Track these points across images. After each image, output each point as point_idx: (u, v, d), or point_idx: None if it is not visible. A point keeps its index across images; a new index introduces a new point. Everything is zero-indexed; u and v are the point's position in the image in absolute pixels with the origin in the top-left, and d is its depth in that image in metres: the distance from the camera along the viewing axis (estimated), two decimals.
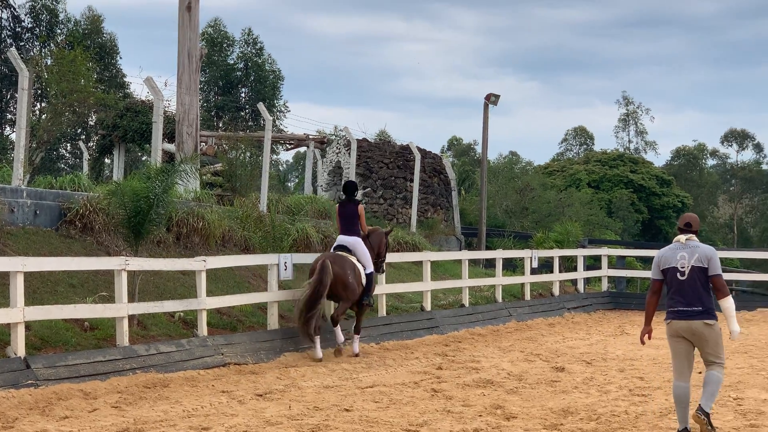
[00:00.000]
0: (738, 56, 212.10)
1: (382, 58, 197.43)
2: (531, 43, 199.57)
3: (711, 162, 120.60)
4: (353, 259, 19.31)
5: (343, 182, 21.46)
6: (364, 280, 19.36)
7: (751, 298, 34.11)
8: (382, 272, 21.27)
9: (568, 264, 32.29)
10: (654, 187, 78.63)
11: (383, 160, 36.03)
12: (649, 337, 12.09)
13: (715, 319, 11.45)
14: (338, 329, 19.13)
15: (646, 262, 45.15)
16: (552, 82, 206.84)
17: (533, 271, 29.44)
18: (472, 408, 13.30)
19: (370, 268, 19.62)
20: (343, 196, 20.08)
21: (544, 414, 12.96)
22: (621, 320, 28.28)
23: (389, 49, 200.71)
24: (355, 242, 19.53)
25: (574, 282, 31.96)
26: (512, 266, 33.72)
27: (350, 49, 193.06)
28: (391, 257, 23.26)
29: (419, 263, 25.33)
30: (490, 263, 30.49)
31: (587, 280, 33.38)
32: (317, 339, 18.36)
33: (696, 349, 11.65)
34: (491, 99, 33.13)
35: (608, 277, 33.31)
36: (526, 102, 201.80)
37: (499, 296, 26.99)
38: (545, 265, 32.16)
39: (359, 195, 33.82)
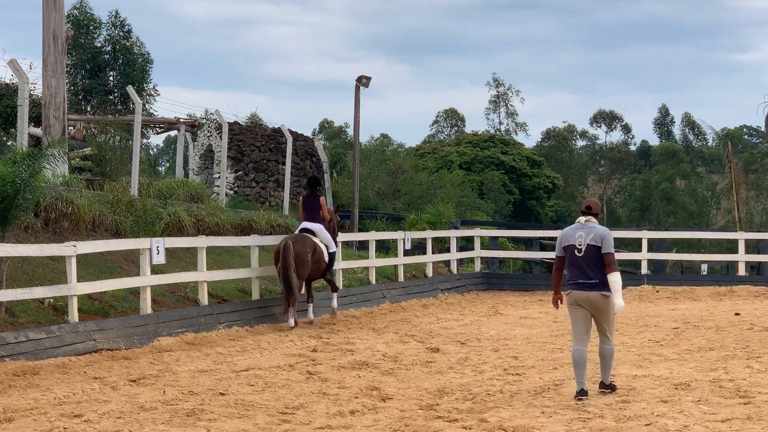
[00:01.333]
0: (605, 39, 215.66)
1: (251, 42, 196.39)
2: (400, 26, 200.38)
3: (581, 143, 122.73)
4: (316, 240, 22.06)
5: (308, 179, 23.94)
6: (327, 258, 22.22)
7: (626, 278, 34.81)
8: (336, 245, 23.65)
9: (441, 245, 32.60)
10: (525, 168, 79.68)
11: (255, 143, 35.91)
12: (561, 302, 13.35)
13: (610, 292, 12.76)
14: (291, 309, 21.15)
15: (518, 242, 45.84)
16: (422, 65, 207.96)
17: (406, 253, 29.66)
18: (347, 390, 13.40)
19: (333, 248, 22.64)
20: (307, 190, 23.13)
21: (420, 394, 13.12)
22: (494, 300, 28.70)
23: (258, 33, 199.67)
24: (319, 228, 22.34)
25: (448, 263, 32.28)
26: (385, 248, 33.92)
27: (219, 32, 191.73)
28: (263, 240, 23.52)
29: None
30: (362, 245, 30.60)
31: (460, 261, 33.73)
32: (291, 310, 20.96)
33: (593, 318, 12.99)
34: (362, 81, 33.20)
35: (481, 258, 33.71)
36: (396, 84, 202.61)
37: (372, 278, 27.14)
38: (418, 247, 32.42)
39: (231, 178, 33.69)
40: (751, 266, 34.78)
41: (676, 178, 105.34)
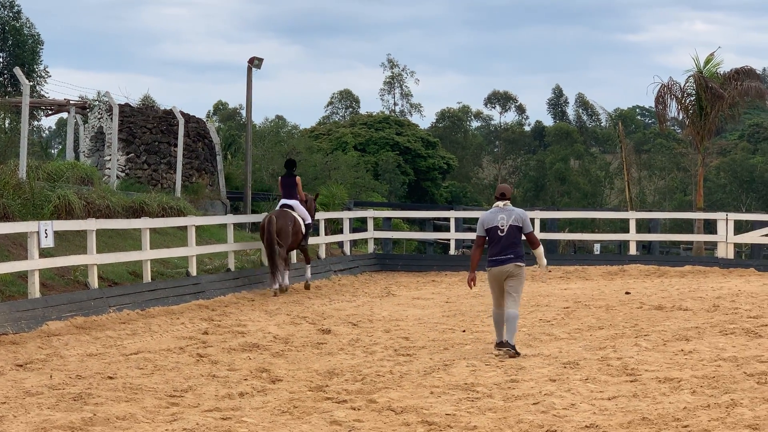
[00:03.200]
0: (497, 19, 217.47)
1: (143, 22, 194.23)
2: (292, 6, 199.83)
3: (475, 124, 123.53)
4: (294, 214, 25.39)
5: (286, 161, 27.64)
6: (303, 229, 25.69)
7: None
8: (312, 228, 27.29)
9: (335, 227, 32.64)
10: (420, 149, 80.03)
11: (146, 125, 35.50)
12: (474, 283, 15.32)
13: (524, 263, 15.12)
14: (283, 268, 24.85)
15: (413, 223, 46.07)
16: (314, 46, 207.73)
17: None
18: (237, 372, 13.40)
19: (309, 220, 26.12)
20: (285, 171, 26.48)
21: (310, 376, 13.16)
22: (387, 282, 28.83)
23: (149, 13, 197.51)
24: (295, 204, 25.70)
25: (341, 244, 32.34)
26: None
27: (109, 13, 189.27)
28: (154, 222, 23.42)
29: (184, 228, 25.21)
30: (256, 227, 30.50)
31: (354, 243, 33.82)
32: (286, 273, 24.89)
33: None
34: (254, 62, 32.98)
35: (374, 239, 33.84)
36: (290, 66, 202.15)
37: (265, 260, 27.06)
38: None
39: (122, 160, 33.34)
40: (643, 245, 35.39)
41: (570, 158, 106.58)
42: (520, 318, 19.17)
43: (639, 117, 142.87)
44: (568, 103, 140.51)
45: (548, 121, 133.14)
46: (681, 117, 37.54)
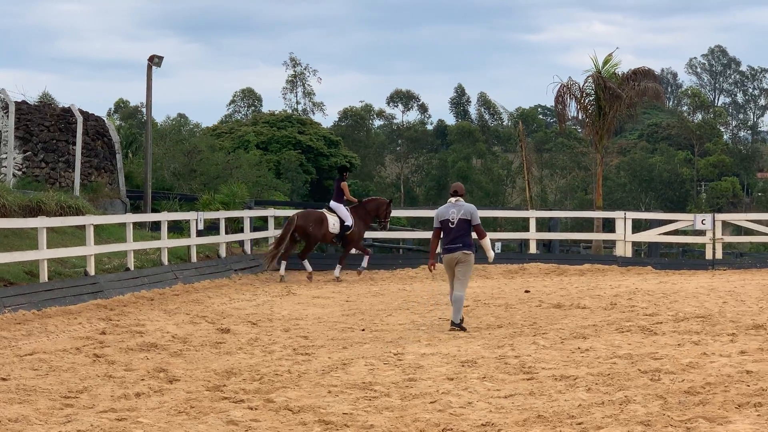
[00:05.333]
0: (397, 18, 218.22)
1: (36, 18, 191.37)
2: (190, 4, 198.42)
3: (378, 122, 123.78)
4: (328, 215, 29.16)
5: (337, 167, 33.28)
6: (337, 229, 29.18)
7: (415, 255, 35.35)
8: (384, 229, 31.34)
9: (236, 226, 32.48)
10: (322, 148, 80.00)
11: (44, 123, 35.00)
12: (434, 267, 17.92)
13: (472, 251, 17.39)
14: (306, 263, 29.15)
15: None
16: (214, 44, 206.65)
17: (199, 233, 29.45)
18: (134, 372, 13.26)
19: (348, 221, 29.22)
20: (337, 176, 30.28)
21: (208, 376, 13.07)
22: (288, 280, 28.75)
23: (42, 9, 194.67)
24: (336, 206, 29.35)
25: (242, 243, 32.20)
26: (179, 228, 33.57)
27: (3, 9, 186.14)
28: (51, 221, 23.12)
29: (82, 227, 24.90)
30: (156, 226, 30.25)
31: (255, 242, 33.68)
32: (282, 264, 28.93)
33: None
34: (154, 61, 32.75)
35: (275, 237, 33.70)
36: (191, 64, 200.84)
37: (165, 259, 26.88)
38: (212, 227, 32.20)
39: (19, 159, 32.79)
40: (543, 244, 35.74)
41: (472, 157, 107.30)
42: (419, 316, 19.37)
43: (541, 116, 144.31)
44: (470, 102, 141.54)
45: (450, 120, 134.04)
46: (581, 116, 37.93)
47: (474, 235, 17.55)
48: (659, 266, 31.32)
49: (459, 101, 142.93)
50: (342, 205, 29.49)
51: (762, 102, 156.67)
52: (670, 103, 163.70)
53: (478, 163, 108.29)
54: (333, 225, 29.17)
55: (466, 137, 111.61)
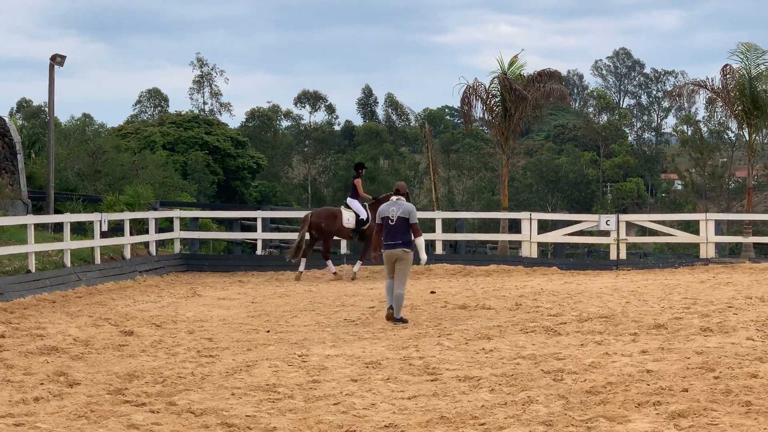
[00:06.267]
0: (304, 19, 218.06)
1: None
2: (93, 3, 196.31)
3: (285, 123, 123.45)
4: (344, 210, 30.08)
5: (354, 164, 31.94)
6: (352, 224, 29.79)
7: (320, 257, 35.26)
8: None
9: (141, 227, 32.18)
10: (229, 149, 79.54)
11: None
12: (376, 259, 19.36)
13: (410, 249, 18.37)
14: (329, 263, 29.96)
15: (222, 223, 45.74)
16: (120, 44, 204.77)
17: (103, 235, 29.11)
18: (34, 376, 13.06)
19: (363, 215, 29.69)
20: (353, 173, 30.93)
21: (110, 379, 12.92)
22: (193, 282, 28.57)
23: None
24: (351, 201, 30.10)
25: (147, 245, 31.92)
26: (82, 230, 33.17)
27: None
28: None
29: None
30: (59, 227, 29.84)
31: (161, 243, 33.42)
32: (303, 261, 29.43)
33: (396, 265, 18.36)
34: (57, 60, 32.32)
35: (181, 239, 33.50)
36: (95, 63, 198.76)
37: (67, 261, 26.54)
38: (117, 229, 31.86)
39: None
40: (449, 244, 35.89)
41: (379, 157, 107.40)
42: (325, 317, 19.37)
43: (448, 117, 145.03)
44: (377, 103, 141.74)
45: (358, 121, 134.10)
46: (487, 117, 38.12)
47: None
48: (564, 267, 31.62)
49: (366, 102, 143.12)
50: (357, 200, 30.14)
51: (665, 104, 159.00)
52: (576, 104, 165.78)
53: (385, 164, 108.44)
54: (348, 220, 29.91)
55: (373, 138, 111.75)
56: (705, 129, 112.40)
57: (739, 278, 25.65)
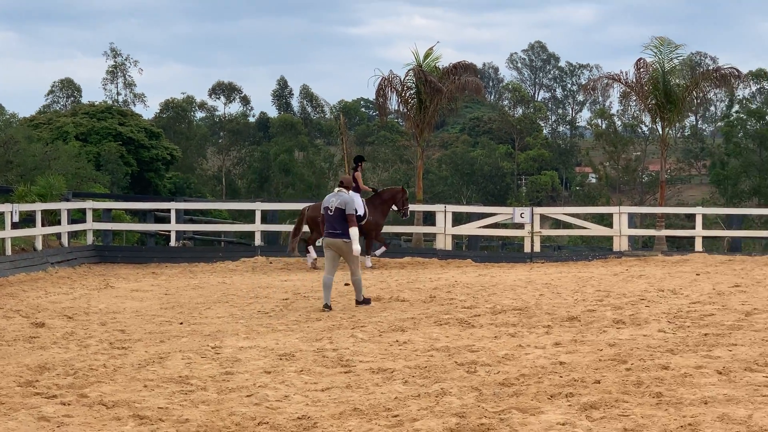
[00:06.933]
0: (218, 10, 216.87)
1: None
2: None
3: (200, 114, 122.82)
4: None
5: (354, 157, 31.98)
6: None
7: (236, 248, 35.21)
8: (406, 217, 32.00)
9: (53, 218, 31.83)
10: (143, 140, 78.97)
11: None
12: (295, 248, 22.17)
13: (350, 239, 18.93)
14: (311, 252, 29.95)
15: (135, 215, 45.42)
16: (30, 33, 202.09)
17: (14, 226, 28.75)
18: None
19: (360, 211, 27.78)
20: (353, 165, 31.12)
21: (20, 371, 12.77)
22: (106, 274, 28.34)
23: None
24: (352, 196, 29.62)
25: (59, 236, 31.59)
26: None
27: None
28: None
29: None
30: None
31: (73, 234, 33.08)
32: (311, 250, 29.97)
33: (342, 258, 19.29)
34: None
35: (94, 230, 33.19)
36: (6, 53, 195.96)
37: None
38: (28, 220, 31.48)
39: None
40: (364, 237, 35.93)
41: (294, 149, 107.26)
42: (238, 309, 19.33)
43: (363, 109, 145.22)
44: (292, 94, 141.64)
45: (273, 112, 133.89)
46: (402, 110, 38.16)
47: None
48: (479, 259, 31.83)
49: (281, 94, 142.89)
50: (357, 195, 29.46)
51: (580, 98, 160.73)
52: (491, 97, 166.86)
53: (300, 156, 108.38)
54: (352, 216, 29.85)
55: (288, 130, 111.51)
56: (619, 123, 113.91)
57: (651, 271, 26.00)
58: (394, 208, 31.10)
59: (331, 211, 19.16)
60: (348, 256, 19.18)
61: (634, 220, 34.98)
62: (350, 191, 30.26)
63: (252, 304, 20.17)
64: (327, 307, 18.76)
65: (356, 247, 19.19)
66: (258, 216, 33.19)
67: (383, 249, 30.78)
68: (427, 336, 15.12)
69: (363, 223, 28.99)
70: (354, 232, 19.09)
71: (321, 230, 29.02)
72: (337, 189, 19.62)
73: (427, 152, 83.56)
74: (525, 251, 33.30)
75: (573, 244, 57.90)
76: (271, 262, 30.88)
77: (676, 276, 24.20)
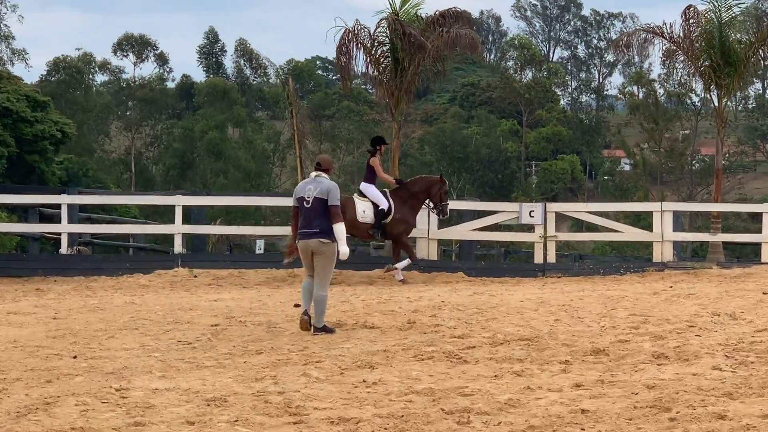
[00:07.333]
0: None
1: None
2: None
3: (101, 78, 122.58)
4: (357, 200, 30.30)
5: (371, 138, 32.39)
6: (370, 218, 30.20)
7: (148, 257, 35.15)
8: (444, 216, 31.96)
9: None
10: (24, 111, 78.58)
11: None
12: (292, 254, 22.27)
13: (330, 239, 19.25)
14: None
15: (14, 211, 45.26)
16: None
17: None
18: None
19: (383, 205, 30.12)
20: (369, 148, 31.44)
21: None
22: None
23: None
24: (367, 187, 30.60)
25: None
26: None
27: None
28: None
29: None
30: None
31: None
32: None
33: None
34: None
35: None
36: None
37: None
38: None
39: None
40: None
41: (227, 125, 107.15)
42: (152, 338, 19.30)
43: (320, 72, 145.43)
44: (225, 52, 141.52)
45: (199, 75, 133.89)
46: (372, 73, 38.08)
47: None
48: (474, 272, 31.89)
49: (210, 51, 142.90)
50: (374, 185, 30.56)
51: (609, 57, 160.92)
52: (491, 56, 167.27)
53: (235, 134, 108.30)
54: (363, 213, 30.28)
55: (219, 99, 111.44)
56: (661, 91, 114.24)
57: (704, 289, 26.09)
58: (429, 204, 31.26)
59: (307, 203, 19.35)
60: (323, 261, 19.42)
61: (680, 221, 35.12)
62: (362, 182, 30.47)
63: (170, 332, 20.14)
64: (306, 314, 19.45)
65: (344, 249, 19.60)
66: (179, 214, 33.10)
67: (408, 262, 30.75)
68: (405, 375, 15.12)
69: (388, 220, 29.74)
70: (339, 229, 19.36)
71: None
72: (314, 174, 19.72)
73: (405, 129, 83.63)
74: (535, 262, 33.39)
75: (599, 252, 58.18)
76: (195, 276, 30.86)
77: (736, 295, 24.28)
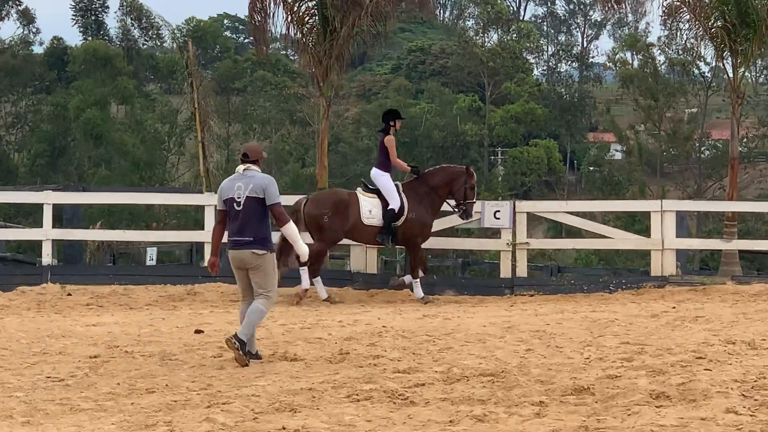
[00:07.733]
0: None
1: None
2: None
3: None
4: (362, 196, 30.49)
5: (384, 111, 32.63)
6: (377, 220, 30.08)
7: (11, 270, 34.93)
8: (467, 218, 31.53)
9: None
10: None
11: None
12: (216, 268, 19.66)
13: (266, 250, 19.22)
14: (318, 282, 30.19)
15: None
16: None
17: None
18: None
19: (394, 204, 29.92)
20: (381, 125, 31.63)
21: None
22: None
23: None
24: (377, 175, 30.64)
25: None
26: None
27: None
28: None
29: None
30: None
31: None
32: (304, 271, 29.48)
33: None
34: None
35: None
36: None
37: None
38: None
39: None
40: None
41: (110, 101, 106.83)
42: (14, 373, 19.22)
43: (228, 34, 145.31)
44: (108, 9, 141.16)
45: (74, 38, 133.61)
46: (294, 35, 38.10)
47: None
48: (423, 288, 31.90)
49: (88, 7, 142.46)
50: (388, 174, 30.62)
51: (596, 16, 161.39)
52: (446, 14, 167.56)
53: (120, 112, 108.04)
54: (369, 213, 30.43)
55: (100, 68, 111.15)
56: (662, 59, 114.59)
57: (715, 310, 26.23)
58: (450, 202, 31.24)
59: (238, 204, 19.16)
60: (258, 278, 19.44)
61: (686, 224, 35.25)
62: (373, 168, 30.74)
63: (36, 366, 20.11)
64: (238, 339, 19.17)
65: (303, 249, 19.87)
66: (48, 215, 32.99)
67: (418, 281, 30.69)
68: (335, 420, 15.15)
69: (399, 223, 29.74)
70: (291, 229, 19.72)
71: (328, 240, 30.49)
72: (242, 167, 19.57)
73: (337, 107, 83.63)
74: (501, 276, 33.44)
75: (584, 263, 58.35)
76: (69, 294, 30.78)
77: (755, 319, 24.42)
